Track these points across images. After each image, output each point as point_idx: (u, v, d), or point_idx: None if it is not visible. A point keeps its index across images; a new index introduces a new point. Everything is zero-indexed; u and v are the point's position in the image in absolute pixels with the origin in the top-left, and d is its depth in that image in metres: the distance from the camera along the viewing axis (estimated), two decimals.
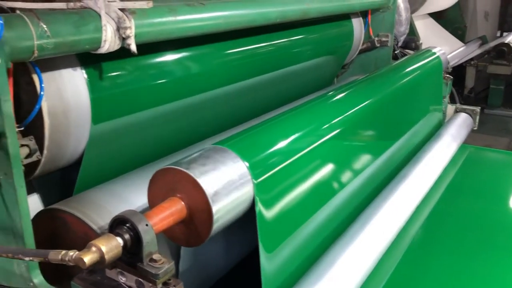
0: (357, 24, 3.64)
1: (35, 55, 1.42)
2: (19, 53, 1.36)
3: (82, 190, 1.89)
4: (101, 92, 1.81)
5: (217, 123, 2.46)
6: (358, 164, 2.22)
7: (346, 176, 2.10)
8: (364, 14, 3.69)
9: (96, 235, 1.62)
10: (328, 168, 1.96)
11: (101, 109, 1.80)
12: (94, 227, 1.63)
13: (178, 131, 2.25)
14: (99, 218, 1.67)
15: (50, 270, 1.58)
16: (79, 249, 1.22)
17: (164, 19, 1.83)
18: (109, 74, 1.84)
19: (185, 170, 1.38)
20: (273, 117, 1.91)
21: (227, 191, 1.42)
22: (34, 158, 1.55)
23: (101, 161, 1.93)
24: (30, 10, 1.43)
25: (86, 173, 1.88)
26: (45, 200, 2.10)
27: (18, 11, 1.41)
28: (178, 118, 2.21)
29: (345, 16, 3.48)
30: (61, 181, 2.17)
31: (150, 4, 1.61)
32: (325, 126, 1.98)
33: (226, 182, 1.43)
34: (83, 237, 1.65)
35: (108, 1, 1.60)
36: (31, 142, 1.54)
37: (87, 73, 1.75)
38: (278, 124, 1.84)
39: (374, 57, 3.84)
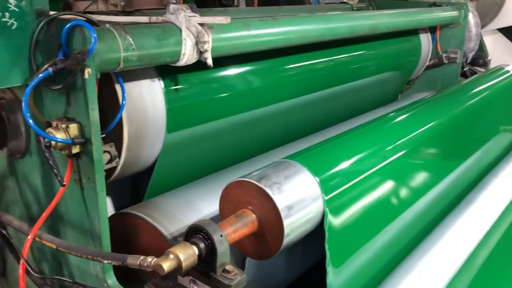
0: (424, 39, 3.56)
1: (121, 66, 1.49)
2: (106, 64, 1.44)
3: (152, 196, 1.97)
4: (176, 102, 1.87)
5: (283, 135, 2.49)
6: (426, 183, 2.16)
7: (414, 194, 2.05)
8: (432, 29, 3.60)
9: (166, 241, 1.67)
10: (397, 186, 1.92)
11: (175, 119, 1.87)
12: (165, 233, 1.68)
13: (245, 141, 2.30)
14: (170, 225, 1.72)
15: (120, 271, 1.65)
16: (148, 254, 1.26)
17: (238, 34, 1.87)
18: (184, 85, 1.90)
19: (257, 183, 1.40)
20: (342, 133, 1.90)
21: (299, 205, 1.42)
22: (113, 164, 1.62)
23: (172, 169, 2.00)
24: (118, 23, 1.51)
25: (157, 180, 1.95)
26: (115, 204, 2.20)
27: (107, 24, 1.49)
28: (247, 129, 2.26)
29: (412, 31, 3.41)
30: (131, 186, 2.27)
31: (229, 20, 1.66)
32: (394, 145, 1.95)
33: (297, 197, 1.43)
34: (153, 242, 1.71)
35: (189, 16, 1.66)
36: (112, 149, 1.61)
37: (164, 84, 1.82)
38: (348, 141, 1.83)
39: (441, 74, 3.73)
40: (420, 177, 2.12)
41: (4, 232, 1.56)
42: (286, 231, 1.36)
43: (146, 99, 1.77)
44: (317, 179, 1.53)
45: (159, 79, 1.82)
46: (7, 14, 1.29)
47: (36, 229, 1.43)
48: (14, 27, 1.32)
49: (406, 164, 2.02)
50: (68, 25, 1.33)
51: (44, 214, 1.47)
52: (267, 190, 1.37)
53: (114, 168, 1.73)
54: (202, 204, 1.90)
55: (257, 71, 2.25)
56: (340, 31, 2.42)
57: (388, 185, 1.88)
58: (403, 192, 1.97)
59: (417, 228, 2.03)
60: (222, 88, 2.08)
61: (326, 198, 1.51)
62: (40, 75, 1.32)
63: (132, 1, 2.13)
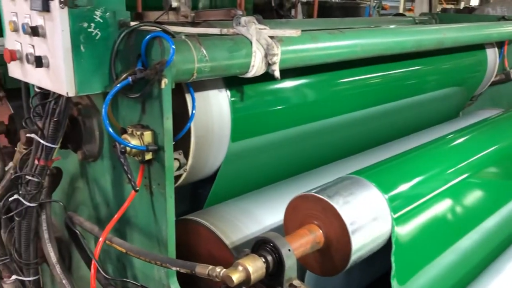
0: (491, 54, 3.43)
1: (194, 77, 1.53)
2: (181, 74, 1.48)
3: (212, 203, 1.99)
4: (241, 112, 1.89)
5: (344, 147, 2.48)
6: (496, 203, 2.07)
7: (482, 214, 1.97)
8: (500, 44, 3.46)
9: (227, 250, 1.69)
10: (465, 205, 1.85)
11: (239, 128, 1.89)
12: (227, 242, 1.70)
13: (306, 153, 2.29)
14: (231, 234, 1.74)
15: (179, 277, 1.67)
16: (207, 261, 1.27)
17: (306, 46, 1.87)
18: (249, 96, 1.92)
19: (325, 198, 1.39)
20: (409, 150, 1.86)
21: (366, 223, 1.40)
22: (181, 171, 1.66)
23: (233, 177, 2.02)
24: (193, 35, 1.54)
25: (218, 188, 1.98)
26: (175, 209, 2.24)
27: (182, 36, 1.53)
28: (307, 141, 2.26)
29: (479, 46, 3.29)
30: (190, 192, 2.31)
31: (299, 33, 1.66)
32: (462, 164, 1.88)
33: (365, 214, 1.41)
34: (215, 250, 1.73)
35: (259, 29, 1.68)
36: (181, 156, 1.65)
37: (230, 93, 1.85)
38: (415, 159, 1.79)
39: (508, 91, 3.57)
40: (489, 197, 2.04)
41: (78, 232, 1.62)
42: (353, 248, 1.33)
43: (213, 108, 1.80)
44: (386, 196, 1.50)
45: (226, 89, 1.85)
46: (92, 25, 1.35)
47: (107, 232, 1.48)
48: (98, 37, 1.38)
49: (475, 184, 1.94)
50: (148, 36, 1.37)
51: (115, 216, 1.52)
52: (335, 206, 1.36)
53: (180, 175, 1.76)
54: (262, 214, 1.91)
55: (320, 82, 2.24)
56: (406, 45, 2.37)
57: (456, 204, 1.82)
58: (472, 212, 1.90)
59: (487, 249, 1.95)
60: (285, 99, 2.09)
61: (395, 216, 1.48)
62: (120, 83, 1.37)
63: (201, 13, 2.18)
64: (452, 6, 14.97)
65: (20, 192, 1.59)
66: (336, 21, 3.17)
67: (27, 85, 1.82)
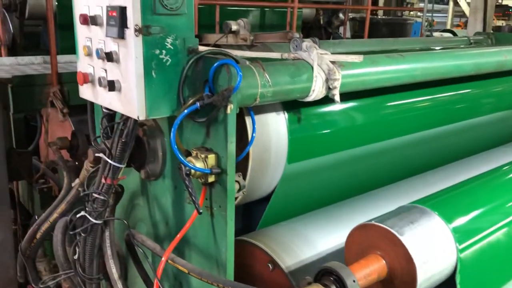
0: None
1: (257, 102, 1.55)
2: (245, 99, 1.51)
3: (266, 224, 2.00)
4: (298, 134, 1.90)
5: (399, 170, 2.44)
6: None
7: None
8: None
9: (284, 275, 1.68)
10: None
11: (296, 150, 1.90)
12: (283, 266, 1.70)
13: (359, 175, 2.27)
14: (287, 258, 1.74)
15: None
16: (261, 284, 1.25)
17: (366, 70, 1.87)
18: (306, 118, 1.93)
19: (389, 229, 1.37)
20: (471, 179, 1.81)
21: (433, 254, 1.37)
22: (240, 193, 1.68)
23: (288, 199, 2.03)
24: (257, 61, 1.57)
25: (273, 209, 1.98)
26: None
27: (247, 62, 1.56)
28: (361, 163, 2.24)
29: None
30: (242, 212, 2.32)
31: (361, 59, 1.66)
32: None
33: (430, 245, 1.38)
34: (270, 274, 1.73)
35: (321, 54, 1.69)
36: (240, 178, 1.67)
37: (288, 116, 1.86)
38: (478, 188, 1.74)
39: None
40: None
41: (141, 250, 1.66)
42: (419, 280, 1.30)
43: (271, 130, 1.82)
44: (450, 226, 1.46)
45: (284, 112, 1.86)
46: (164, 51, 1.40)
47: (169, 252, 1.51)
48: (168, 63, 1.43)
49: None
50: (216, 64, 1.41)
51: (177, 236, 1.55)
52: (400, 237, 1.34)
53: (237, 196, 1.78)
54: (317, 238, 1.90)
55: (376, 104, 2.23)
56: (466, 68, 2.33)
57: None
58: None
59: None
60: (341, 121, 2.09)
61: (460, 247, 1.44)
62: (188, 109, 1.41)
63: (259, 35, 2.21)
64: (504, 22, 14.54)
65: (87, 209, 1.65)
66: (390, 41, 3.14)
67: (92, 105, 1.90)
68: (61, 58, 3.23)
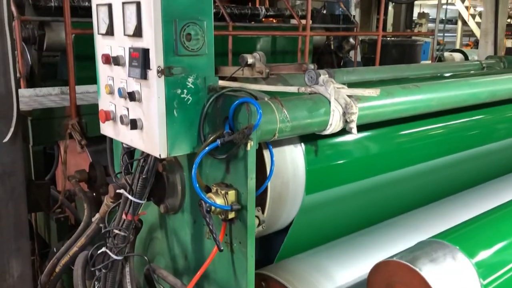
0: None
1: (275, 137, 1.57)
2: (264, 135, 1.52)
3: (284, 256, 1.99)
4: (316, 165, 1.91)
5: (417, 197, 2.43)
6: None
7: None
8: None
9: None
10: None
11: (314, 181, 1.90)
12: None
13: (377, 204, 2.27)
14: None
15: None
16: None
17: (382, 102, 1.88)
18: (324, 149, 1.94)
19: (412, 266, 1.36)
20: (491, 210, 1.80)
21: None
22: (260, 228, 1.68)
23: (306, 230, 2.02)
24: (275, 97, 1.59)
25: (291, 241, 1.98)
26: None
27: (265, 98, 1.58)
28: (379, 192, 2.24)
29: None
30: (261, 244, 2.32)
31: (378, 92, 1.68)
32: None
33: (454, 282, 1.37)
34: None
35: (337, 88, 1.71)
36: (259, 213, 1.68)
37: (305, 148, 1.87)
38: (498, 220, 1.73)
39: None
40: None
41: (161, 286, 1.67)
42: None
43: (289, 163, 1.83)
44: (472, 261, 1.45)
45: (301, 144, 1.87)
46: (185, 91, 1.44)
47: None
48: (189, 102, 1.45)
49: None
50: (236, 102, 1.43)
51: (198, 273, 1.55)
52: (424, 275, 1.33)
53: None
54: (336, 270, 1.89)
55: (392, 133, 2.23)
56: (481, 96, 2.34)
57: None
58: None
59: None
60: (358, 151, 2.09)
61: (484, 282, 1.42)
62: (209, 146, 1.43)
63: (273, 67, 2.24)
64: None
65: (108, 245, 1.66)
66: (402, 67, 3.16)
67: (111, 140, 1.93)
68: (78, 88, 3.30)
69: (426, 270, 1.35)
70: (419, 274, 1.34)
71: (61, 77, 4.25)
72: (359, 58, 6.76)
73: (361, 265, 1.92)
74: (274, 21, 6.16)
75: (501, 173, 3.05)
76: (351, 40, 6.18)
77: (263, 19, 5.86)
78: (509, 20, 13.00)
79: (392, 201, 2.34)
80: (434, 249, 1.46)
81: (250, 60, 2.14)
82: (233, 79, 2.11)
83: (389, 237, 2.15)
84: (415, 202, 2.46)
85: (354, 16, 6.28)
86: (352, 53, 6.49)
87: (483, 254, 1.52)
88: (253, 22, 5.62)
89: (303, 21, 5.08)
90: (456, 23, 18.64)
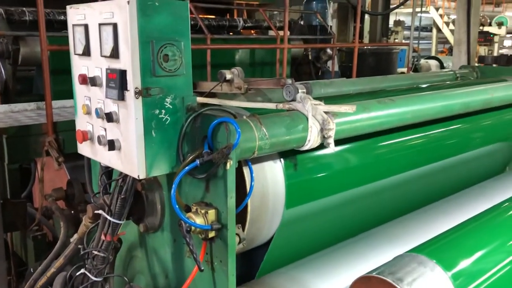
0: None
1: (255, 154, 1.58)
2: (243, 153, 1.53)
3: (265, 271, 1.99)
4: (294, 179, 1.92)
5: (394, 208, 2.47)
6: None
7: None
8: None
9: None
10: None
11: (293, 195, 1.92)
12: None
13: (355, 216, 2.30)
14: None
15: None
16: None
17: (358, 117, 1.91)
18: (302, 163, 1.96)
19: (389, 281, 1.38)
20: (467, 221, 1.83)
21: None
22: (241, 245, 1.68)
23: (287, 244, 2.03)
24: (254, 115, 1.61)
25: (272, 255, 1.98)
26: None
27: (244, 116, 1.59)
28: (357, 204, 2.27)
29: None
30: (241, 259, 2.32)
31: (354, 109, 1.71)
32: None
33: None
34: None
35: (315, 105, 1.73)
36: (240, 230, 1.68)
37: (284, 163, 1.89)
38: (474, 231, 1.76)
39: None
40: None
41: None
42: None
43: (268, 178, 1.84)
44: (449, 274, 1.48)
45: (280, 159, 1.89)
46: (163, 111, 1.44)
47: None
48: (167, 122, 1.45)
49: None
50: (215, 122, 1.44)
51: None
52: None
53: None
54: (316, 284, 1.90)
55: (368, 146, 2.27)
56: (454, 107, 2.39)
57: None
58: None
59: None
60: (336, 164, 2.12)
61: None
62: (188, 166, 1.43)
63: (252, 82, 2.26)
64: (486, 48, 14.92)
65: (87, 266, 1.64)
66: (379, 79, 3.21)
67: (89, 160, 1.92)
68: (55, 103, 3.26)
69: (404, 285, 1.37)
70: None
71: (37, 92, 4.18)
72: (336, 68, 6.85)
73: (341, 278, 1.94)
74: (253, 32, 6.21)
75: (477, 182, 3.12)
76: (329, 50, 6.26)
77: (241, 31, 5.89)
78: (481, 28, 13.36)
79: (371, 212, 2.37)
80: (412, 263, 1.48)
81: (228, 76, 2.15)
82: (211, 94, 2.12)
83: (369, 248, 2.18)
84: (394, 212, 2.49)
85: (331, 26, 6.37)
86: (330, 62, 6.57)
87: (459, 266, 1.55)
88: (231, 34, 5.65)
89: (281, 32, 5.13)
90: (431, 30, 19.04)
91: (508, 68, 4.17)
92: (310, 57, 5.96)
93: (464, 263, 1.58)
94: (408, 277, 1.40)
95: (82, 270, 1.63)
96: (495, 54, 13.21)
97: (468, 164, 3.01)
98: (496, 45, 15.14)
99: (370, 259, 2.02)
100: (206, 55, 4.70)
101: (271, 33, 5.74)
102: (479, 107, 2.59)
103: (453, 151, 2.82)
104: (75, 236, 1.83)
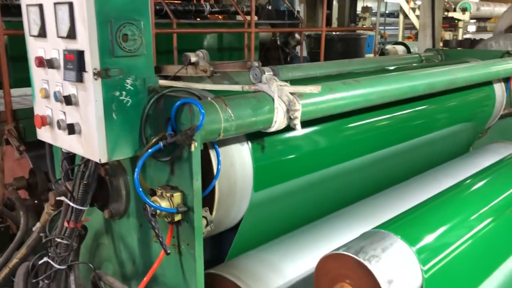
0: (498, 89, 3.47)
1: (220, 136, 1.56)
2: (208, 135, 1.51)
3: (235, 254, 1.99)
4: (262, 162, 1.92)
5: (361, 189, 2.50)
6: None
7: (506, 255, 1.97)
8: (506, 79, 3.51)
9: None
10: (491, 248, 1.86)
11: (261, 178, 1.91)
12: None
13: (324, 197, 2.32)
14: None
15: None
16: None
17: (324, 98, 1.91)
18: (270, 146, 1.95)
19: (356, 257, 1.40)
20: (431, 198, 1.87)
21: (398, 278, 1.40)
22: (208, 228, 1.67)
23: (256, 227, 2.03)
24: (219, 96, 1.59)
25: (242, 238, 1.98)
26: None
27: (209, 98, 1.57)
28: (324, 185, 2.29)
29: (486, 82, 3.34)
30: (211, 243, 2.31)
31: (319, 89, 1.71)
32: (486, 208, 1.89)
33: (396, 269, 1.42)
34: None
35: (280, 86, 1.72)
36: (207, 213, 1.67)
37: (252, 146, 1.88)
38: (438, 207, 1.80)
39: None
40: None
41: None
42: None
43: (236, 162, 1.83)
44: (413, 249, 1.51)
45: (247, 142, 1.88)
46: (124, 93, 1.40)
47: None
48: (129, 104, 1.42)
49: (498, 226, 1.94)
50: (178, 103, 1.41)
51: (145, 279, 1.52)
52: (367, 264, 1.37)
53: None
54: (286, 265, 1.91)
55: (335, 128, 2.28)
56: (419, 88, 2.43)
57: (482, 249, 1.82)
58: (496, 254, 1.90)
59: None
60: (304, 146, 2.12)
61: (424, 268, 1.49)
62: (151, 149, 1.41)
63: (218, 65, 2.23)
64: (450, 33, 15.23)
65: (50, 254, 1.60)
66: (345, 62, 3.22)
67: (51, 146, 1.86)
68: (16, 91, 3.14)
69: (369, 261, 1.39)
70: (362, 264, 1.38)
71: None
72: (305, 53, 6.86)
73: (310, 258, 1.95)
74: (220, 17, 6.14)
75: (442, 162, 3.19)
76: (297, 35, 6.25)
77: (208, 16, 5.81)
78: (446, 13, 13.60)
79: (339, 193, 2.39)
80: (377, 239, 1.50)
81: (193, 59, 2.11)
82: (176, 78, 2.09)
83: (337, 228, 2.20)
84: (362, 193, 2.52)
85: (298, 11, 6.36)
86: (298, 48, 6.58)
87: (424, 241, 1.58)
88: (198, 19, 5.56)
89: (249, 18, 5.09)
90: (398, 16, 19.26)
91: (472, 50, 4.26)
92: (278, 43, 5.94)
93: (428, 238, 1.62)
94: (373, 252, 1.42)
95: (45, 259, 1.58)
96: (460, 39, 13.50)
97: (433, 144, 3.07)
98: (460, 31, 15.47)
99: (338, 238, 2.05)
100: (173, 41, 4.63)
101: (239, 18, 5.69)
102: (444, 88, 2.64)
103: (419, 132, 2.87)
104: (38, 224, 1.78)
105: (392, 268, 1.41)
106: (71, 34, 1.36)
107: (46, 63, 1.46)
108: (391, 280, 1.39)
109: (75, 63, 1.35)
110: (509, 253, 1.99)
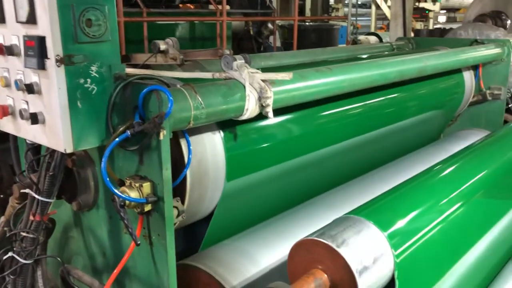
0: (467, 77, 3.54)
1: (191, 124, 1.53)
2: (178, 123, 1.48)
3: (209, 244, 1.98)
4: (235, 151, 1.90)
5: (334, 177, 2.51)
6: (489, 224, 2.11)
7: (476, 237, 2.01)
8: (475, 66, 3.57)
9: None
10: (462, 232, 1.89)
11: (234, 167, 1.89)
12: (227, 287, 1.68)
13: (297, 186, 2.32)
14: (232, 278, 1.72)
15: None
16: None
17: (296, 85, 1.90)
18: (242, 134, 1.94)
19: (328, 243, 1.39)
20: (402, 184, 1.89)
21: (370, 263, 1.41)
22: (179, 218, 1.64)
23: (229, 216, 2.02)
24: (188, 84, 1.55)
25: (215, 228, 1.97)
26: None
27: (178, 85, 1.54)
28: (297, 174, 2.29)
29: (456, 70, 3.39)
30: (184, 233, 2.28)
31: (291, 76, 1.69)
32: (456, 193, 1.92)
33: (368, 254, 1.42)
34: None
35: (252, 73, 1.70)
36: (178, 203, 1.64)
37: (224, 135, 1.86)
38: (409, 192, 1.82)
39: (485, 111, 3.68)
40: (482, 219, 2.08)
41: (76, 286, 1.58)
42: None
43: (207, 151, 1.80)
44: (385, 234, 1.52)
45: (219, 131, 1.85)
46: (88, 80, 1.35)
47: (108, 287, 1.45)
48: (94, 92, 1.37)
49: (468, 210, 1.98)
50: (145, 90, 1.37)
51: (115, 271, 1.49)
52: (338, 250, 1.37)
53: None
54: (260, 254, 1.91)
55: (308, 116, 2.28)
56: (390, 76, 2.44)
57: (453, 232, 1.85)
58: (467, 237, 1.94)
59: (484, 272, 2.00)
60: (276, 135, 2.12)
61: (395, 253, 1.50)
62: (118, 138, 1.37)
63: (189, 53, 2.19)
64: (422, 24, 15.43)
65: (15, 249, 1.54)
66: (318, 51, 3.22)
67: (15, 137, 1.79)
68: None
69: (341, 246, 1.39)
70: (335, 250, 1.38)
71: None
72: (278, 43, 6.84)
73: (284, 246, 1.95)
74: (191, 6, 6.06)
75: (414, 149, 3.23)
76: (270, 25, 6.23)
77: (179, 5, 5.72)
78: (417, 4, 13.74)
79: (312, 182, 2.40)
80: (349, 225, 1.51)
81: (162, 47, 2.07)
82: (145, 66, 2.04)
83: (311, 216, 2.20)
84: (335, 181, 2.54)
85: (271, 1, 6.33)
86: (272, 38, 6.55)
87: (395, 226, 1.60)
88: (169, 8, 5.47)
89: (220, 7, 5.03)
90: (370, 7, 19.38)
91: (442, 39, 4.32)
92: (251, 32, 5.91)
93: (399, 223, 1.63)
94: (345, 237, 1.43)
95: (10, 254, 1.53)
96: (430, 28, 13.68)
97: (405, 132, 3.11)
98: (431, 21, 15.67)
99: (312, 225, 2.04)
100: (143, 30, 4.53)
101: (212, 7, 5.62)
102: (414, 75, 2.66)
103: (391, 119, 2.90)
104: (2, 218, 1.72)
105: (363, 253, 1.42)
106: (31, 19, 1.30)
107: (6, 50, 1.40)
108: (363, 265, 1.39)
109: (36, 49, 1.29)
110: (478, 236, 2.04)
